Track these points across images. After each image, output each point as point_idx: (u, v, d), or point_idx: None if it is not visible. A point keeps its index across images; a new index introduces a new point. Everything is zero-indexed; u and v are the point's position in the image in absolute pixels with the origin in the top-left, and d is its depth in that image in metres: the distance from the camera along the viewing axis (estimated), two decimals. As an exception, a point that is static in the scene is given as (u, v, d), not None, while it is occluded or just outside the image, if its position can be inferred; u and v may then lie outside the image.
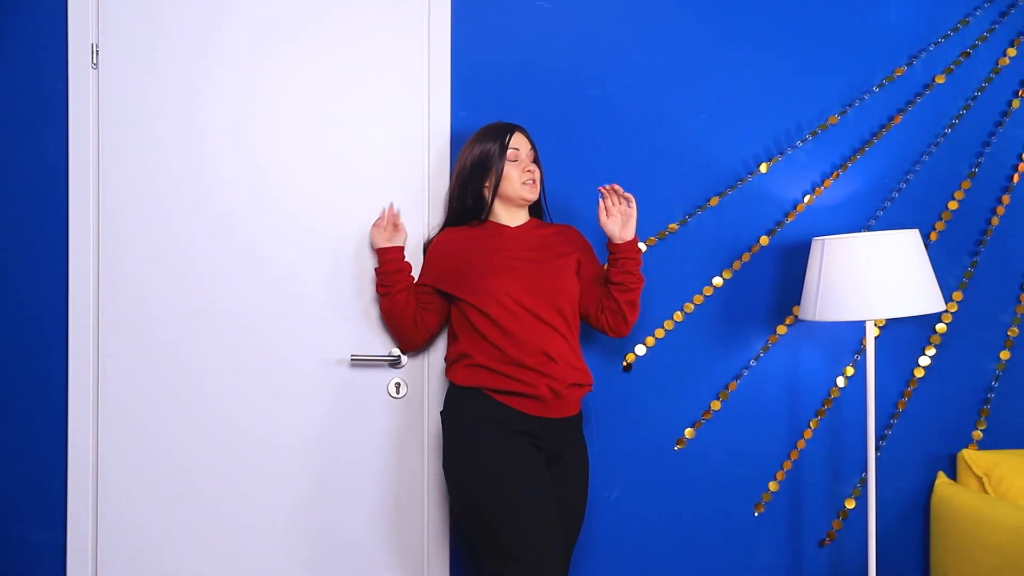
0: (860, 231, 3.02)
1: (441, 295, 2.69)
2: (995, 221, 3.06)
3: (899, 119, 3.04)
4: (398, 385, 2.87)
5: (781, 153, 3.02)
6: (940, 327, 3.05)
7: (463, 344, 2.62)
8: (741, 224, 3.01)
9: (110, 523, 2.85)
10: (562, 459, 2.61)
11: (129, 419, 2.85)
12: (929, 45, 3.04)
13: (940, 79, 3.05)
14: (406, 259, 2.78)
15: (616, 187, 2.64)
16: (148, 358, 2.85)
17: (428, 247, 2.75)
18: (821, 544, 3.03)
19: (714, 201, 3.00)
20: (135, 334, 2.84)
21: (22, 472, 2.88)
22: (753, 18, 3.00)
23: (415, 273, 2.79)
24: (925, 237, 3.05)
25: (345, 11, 2.88)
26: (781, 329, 3.02)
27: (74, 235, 2.85)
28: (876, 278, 2.67)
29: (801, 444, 3.02)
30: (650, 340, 2.99)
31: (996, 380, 3.06)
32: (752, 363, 3.02)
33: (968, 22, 3.05)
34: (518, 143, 2.65)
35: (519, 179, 2.64)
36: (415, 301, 2.73)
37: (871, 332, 2.79)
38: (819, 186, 3.02)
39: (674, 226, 2.99)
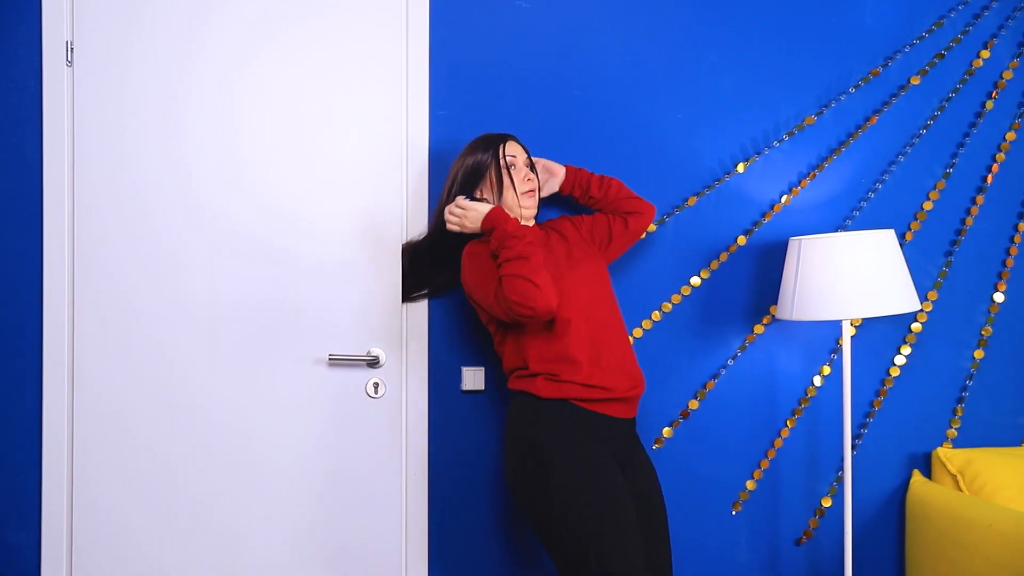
0: (836, 231, 3.04)
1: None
2: (969, 221, 3.08)
3: (875, 119, 3.06)
4: (376, 385, 2.86)
5: (758, 153, 3.03)
6: (915, 326, 3.07)
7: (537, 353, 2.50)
8: (719, 224, 3.02)
9: (86, 524, 2.83)
10: (633, 459, 2.54)
11: (106, 418, 2.83)
12: (904, 47, 3.07)
13: (915, 80, 3.07)
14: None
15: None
16: (125, 356, 2.83)
17: (463, 257, 2.59)
18: (798, 543, 3.04)
19: (692, 201, 3.01)
20: (112, 332, 2.82)
21: (-5, 472, 2.85)
22: (731, 19, 3.01)
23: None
24: (900, 237, 3.07)
25: (323, 9, 2.88)
26: (758, 328, 3.03)
27: (49, 233, 2.82)
28: (852, 278, 2.68)
29: (778, 443, 3.04)
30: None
31: (970, 379, 3.09)
32: (730, 362, 3.03)
33: (943, 24, 3.07)
34: (514, 151, 2.61)
35: (520, 188, 2.59)
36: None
37: (847, 331, 2.81)
38: (796, 186, 3.04)
39: (652, 226, 2.99)
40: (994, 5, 3.07)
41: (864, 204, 3.07)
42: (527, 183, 2.59)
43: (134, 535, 2.83)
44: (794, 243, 2.80)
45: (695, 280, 3.02)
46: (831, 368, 3.06)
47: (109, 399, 2.83)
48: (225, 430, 2.86)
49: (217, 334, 2.86)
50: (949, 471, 2.97)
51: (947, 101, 3.09)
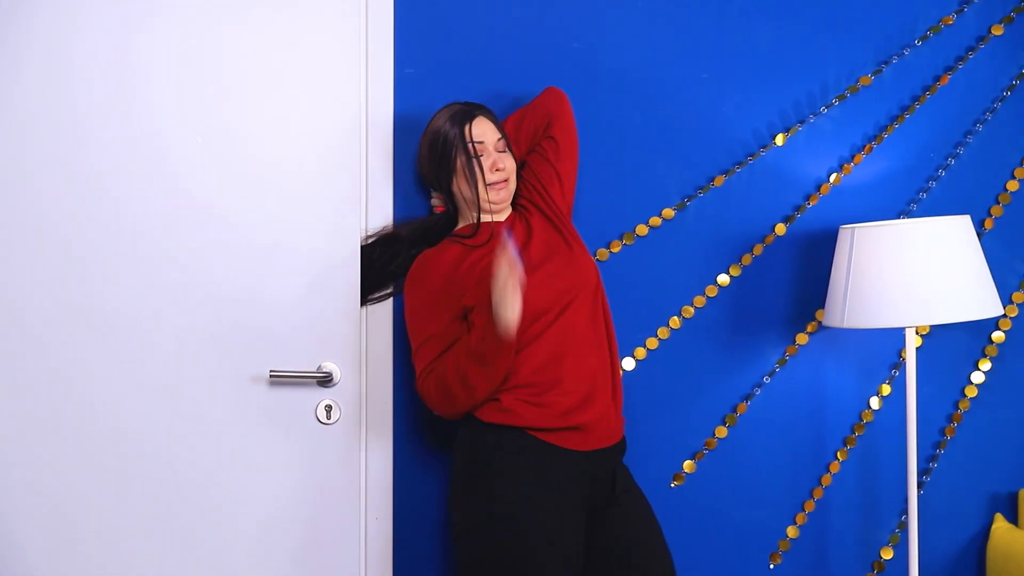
0: (898, 218, 3.00)
1: None
2: None
3: (946, 80, 3.02)
4: (329, 408, 2.77)
5: (802, 122, 2.99)
6: (997, 336, 3.02)
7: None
8: (753, 209, 2.99)
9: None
10: (616, 501, 2.55)
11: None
12: (985, -13, 3.09)
13: (998, 30, 3.02)
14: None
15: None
16: (12, 377, 2.74)
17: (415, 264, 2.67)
18: (852, 604, 3.08)
19: (719, 180, 2.96)
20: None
21: None
22: (767, -45, 3.05)
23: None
24: (979, 225, 3.01)
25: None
26: (801, 338, 2.99)
27: None
28: (918, 276, 2.65)
29: (827, 480, 2.99)
30: (640, 352, 2.94)
31: None
32: (766, 380, 2.98)
33: (1032, -42, 3.07)
34: (482, 133, 2.61)
35: (488, 179, 2.61)
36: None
37: (912, 342, 2.77)
38: (848, 162, 3.00)
39: (670, 211, 2.94)
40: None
41: (932, 184, 3.02)
42: (496, 172, 2.60)
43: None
44: (846, 232, 2.76)
45: (723, 279, 2.97)
46: (891, 387, 3.00)
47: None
48: (139, 465, 2.75)
49: (129, 347, 2.77)
50: None
51: None
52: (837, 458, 2.96)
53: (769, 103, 2.97)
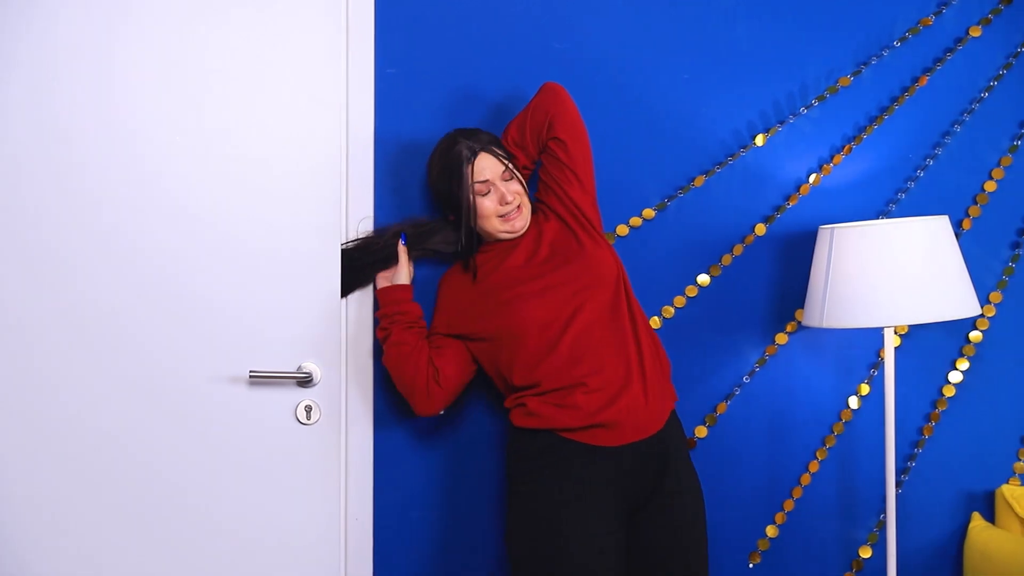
0: (877, 218, 3.02)
1: None
2: None
3: (925, 81, 3.02)
4: (309, 409, 2.75)
5: (781, 122, 3.00)
6: (975, 335, 3.03)
7: None
8: (732, 209, 2.99)
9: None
10: (658, 503, 2.56)
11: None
12: (963, -11, 3.09)
13: (975, 31, 3.02)
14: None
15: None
16: None
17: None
18: (831, 602, 3.06)
19: (699, 180, 2.96)
20: None
21: None
22: (748, -47, 3.04)
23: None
24: (957, 225, 3.02)
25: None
26: (781, 338, 2.99)
27: None
28: (897, 276, 2.66)
29: (806, 479, 3.00)
30: (620, 352, 2.94)
31: None
32: (746, 379, 2.99)
33: (1010, -40, 3.08)
34: (482, 170, 2.61)
35: (495, 212, 2.62)
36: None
37: (891, 342, 2.78)
38: (828, 163, 3.01)
39: (650, 212, 2.94)
40: (1074, -66, 3.07)
41: (911, 185, 3.02)
42: (505, 205, 2.62)
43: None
44: (825, 233, 2.77)
45: (703, 279, 2.97)
46: (870, 387, 3.01)
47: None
48: (118, 465, 2.72)
49: (108, 348, 2.73)
50: (1017, 514, 2.90)
51: (1015, 57, 3.05)
52: (816, 457, 2.97)
53: (749, 104, 2.97)
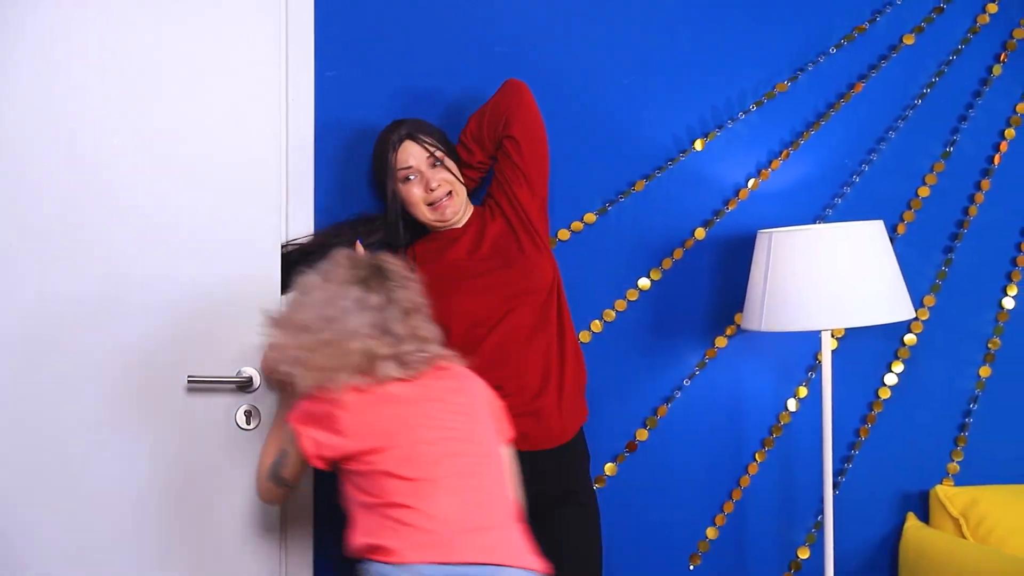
0: (814, 222, 3.04)
1: None
2: (973, 211, 3.10)
3: (860, 87, 3.06)
4: (248, 414, 2.73)
5: (720, 127, 3.01)
6: (909, 338, 3.07)
7: None
8: (672, 214, 3.00)
9: None
10: (556, 514, 2.56)
11: None
12: (896, -2, 3.14)
13: (909, 39, 3.07)
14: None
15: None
16: None
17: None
18: (770, 603, 3.07)
19: (640, 185, 2.97)
20: None
21: None
22: (688, -36, 3.06)
23: None
24: (891, 230, 3.05)
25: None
26: (720, 341, 3.01)
27: None
28: (833, 280, 2.67)
29: (745, 481, 3.01)
30: (562, 355, 2.94)
31: (975, 402, 3.10)
32: (686, 383, 3.00)
33: (941, -29, 3.14)
34: (407, 158, 2.63)
35: (422, 200, 2.64)
36: None
37: (827, 345, 2.79)
38: (765, 168, 3.03)
39: (591, 216, 2.95)
40: (1000, -49, 3.14)
41: (847, 190, 3.06)
42: (433, 192, 2.63)
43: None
44: (763, 237, 2.78)
45: (643, 282, 2.98)
46: (808, 390, 3.04)
47: None
48: (55, 470, 2.67)
49: (43, 353, 2.67)
50: (950, 514, 2.95)
51: (947, 65, 3.09)
52: (755, 459, 2.99)
53: (689, 109, 2.98)
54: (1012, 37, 3.08)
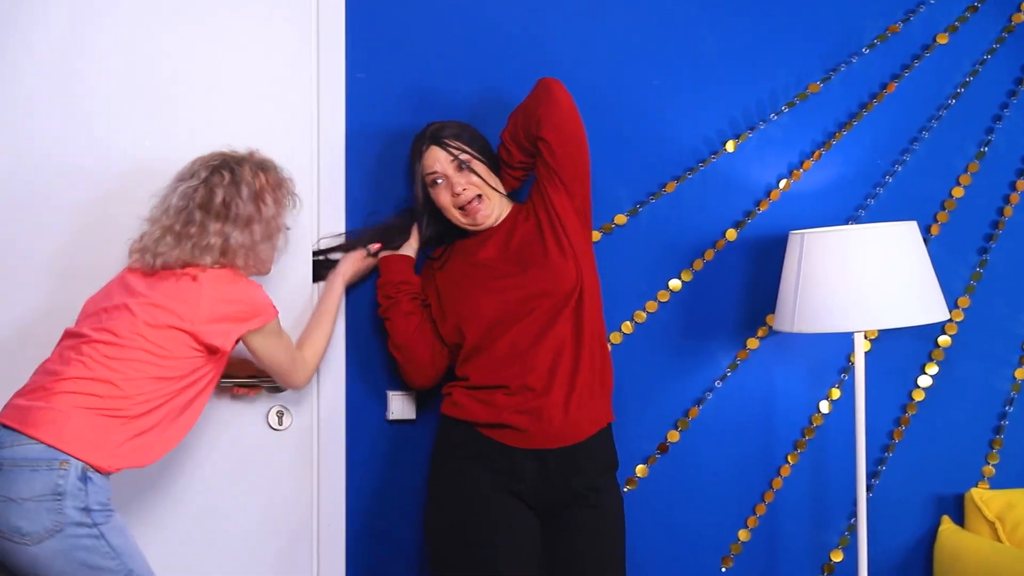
0: (847, 223, 3.03)
1: None
2: (1008, 211, 3.08)
3: (893, 87, 3.05)
4: (280, 414, 2.77)
5: (751, 128, 3.01)
6: (943, 340, 3.05)
7: None
8: (703, 215, 3.00)
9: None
10: (566, 512, 2.56)
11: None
12: (929, -3, 3.12)
13: (943, 39, 3.06)
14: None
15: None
16: None
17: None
18: (802, 606, 3.06)
19: (671, 187, 2.97)
20: None
21: None
22: (718, -35, 3.04)
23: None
24: (925, 231, 3.04)
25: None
26: (752, 343, 3.01)
27: None
28: (866, 281, 2.66)
29: (777, 483, 3.01)
30: (592, 357, 2.92)
31: (1010, 404, 3.08)
32: (717, 384, 3.00)
33: (975, -31, 3.11)
34: (432, 163, 2.64)
35: (451, 204, 2.64)
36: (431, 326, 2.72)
37: (860, 346, 2.78)
38: (797, 169, 3.03)
39: (622, 218, 2.94)
40: (1034, -52, 3.11)
41: (880, 191, 3.05)
42: (458, 196, 2.63)
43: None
44: (795, 238, 2.77)
45: (675, 284, 2.98)
46: (841, 391, 3.03)
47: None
48: None
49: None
50: (986, 517, 2.93)
51: (981, 64, 3.08)
52: (788, 461, 2.98)
53: (720, 110, 2.98)
54: (1049, 36, 3.09)
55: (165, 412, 2.31)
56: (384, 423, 2.83)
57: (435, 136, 2.63)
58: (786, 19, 3.01)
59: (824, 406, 3.00)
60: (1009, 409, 3.05)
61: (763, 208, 2.98)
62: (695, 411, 2.95)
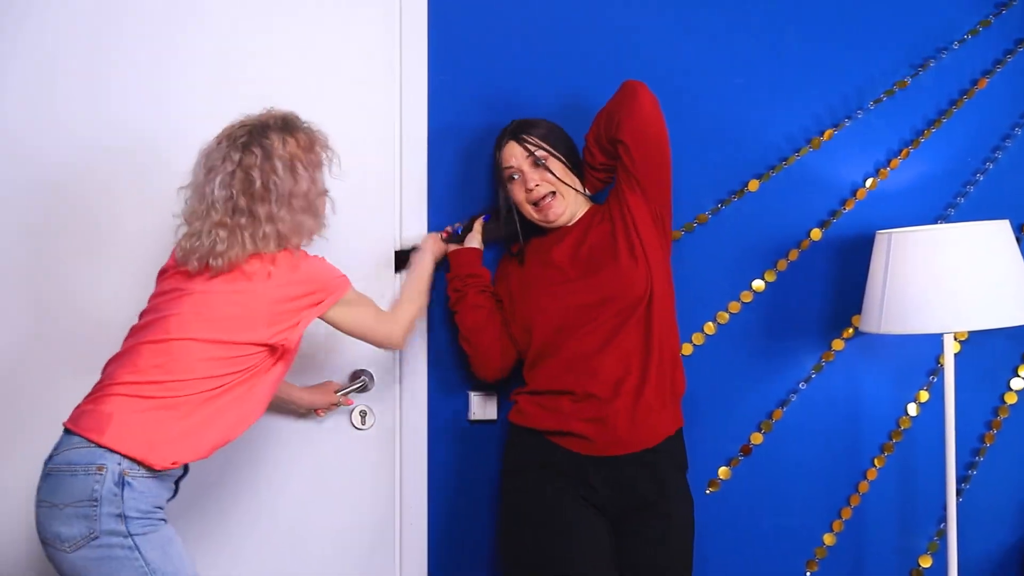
0: (936, 222, 3.00)
1: None
2: None
3: (984, 83, 3.01)
4: (363, 414, 2.81)
5: (837, 125, 2.99)
6: None
7: None
8: (787, 214, 2.99)
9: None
10: (634, 518, 2.55)
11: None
12: (1023, -10, 3.05)
13: None
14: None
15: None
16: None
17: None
18: (889, 613, 3.03)
19: (753, 185, 2.96)
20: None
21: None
22: (802, -41, 3.02)
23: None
24: (1017, 229, 2.99)
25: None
26: (838, 344, 2.99)
27: None
28: (956, 281, 2.64)
29: (864, 487, 2.99)
30: (675, 358, 2.92)
31: None
32: (802, 386, 2.98)
33: (1073, -41, 3.04)
34: (509, 158, 2.66)
35: (525, 199, 2.66)
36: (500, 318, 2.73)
37: (950, 348, 2.75)
38: (884, 167, 3.00)
39: (704, 216, 2.95)
40: None
41: (971, 189, 3.02)
42: (531, 192, 2.64)
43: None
44: (882, 238, 2.76)
45: (758, 284, 2.97)
46: (930, 394, 3.00)
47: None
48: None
49: None
50: None
51: None
52: (874, 465, 2.96)
53: (804, 107, 2.97)
54: None
55: (221, 403, 2.25)
56: (466, 423, 2.85)
57: (515, 131, 2.65)
58: (873, 13, 2.99)
59: (912, 409, 2.97)
60: (1106, 411, 2.91)
61: (849, 207, 2.96)
62: (779, 413, 2.94)
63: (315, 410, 2.71)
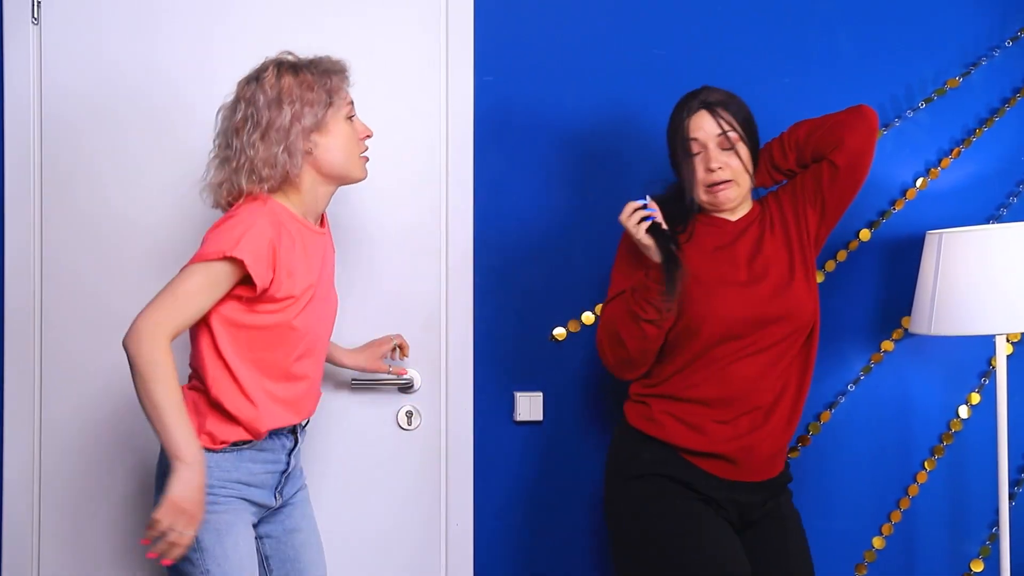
0: (987, 223, 2.98)
1: None
2: None
3: None
4: (409, 414, 2.82)
5: (887, 125, 2.97)
6: None
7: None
8: None
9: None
10: (762, 527, 2.49)
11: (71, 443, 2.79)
12: (1076, -13, 3.02)
13: None
14: None
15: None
16: (95, 375, 2.76)
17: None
18: (940, 618, 3.01)
19: None
20: (83, 344, 2.76)
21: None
22: (851, -44, 2.98)
23: None
24: None
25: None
26: (887, 345, 2.98)
27: (10, 210, 2.78)
28: (1008, 281, 2.63)
29: (914, 490, 2.98)
30: (723, 358, 2.90)
31: None
32: (851, 388, 2.97)
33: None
34: (696, 129, 2.44)
35: (701, 180, 2.45)
36: None
37: (1003, 350, 2.74)
38: (935, 167, 2.99)
39: None
40: None
41: (1023, 188, 3.00)
42: (711, 174, 2.44)
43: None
44: (933, 238, 2.76)
45: None
46: (981, 396, 2.99)
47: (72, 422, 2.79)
48: None
49: None
50: None
51: None
52: (924, 468, 2.95)
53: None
54: None
55: (219, 375, 2.16)
56: (511, 424, 2.85)
57: (709, 102, 2.45)
58: (923, 12, 2.97)
59: (963, 411, 2.96)
60: None
61: (899, 207, 2.95)
62: (827, 415, 2.93)
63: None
